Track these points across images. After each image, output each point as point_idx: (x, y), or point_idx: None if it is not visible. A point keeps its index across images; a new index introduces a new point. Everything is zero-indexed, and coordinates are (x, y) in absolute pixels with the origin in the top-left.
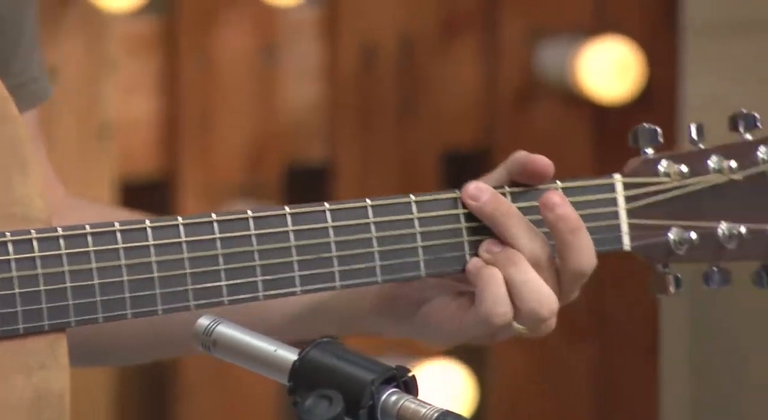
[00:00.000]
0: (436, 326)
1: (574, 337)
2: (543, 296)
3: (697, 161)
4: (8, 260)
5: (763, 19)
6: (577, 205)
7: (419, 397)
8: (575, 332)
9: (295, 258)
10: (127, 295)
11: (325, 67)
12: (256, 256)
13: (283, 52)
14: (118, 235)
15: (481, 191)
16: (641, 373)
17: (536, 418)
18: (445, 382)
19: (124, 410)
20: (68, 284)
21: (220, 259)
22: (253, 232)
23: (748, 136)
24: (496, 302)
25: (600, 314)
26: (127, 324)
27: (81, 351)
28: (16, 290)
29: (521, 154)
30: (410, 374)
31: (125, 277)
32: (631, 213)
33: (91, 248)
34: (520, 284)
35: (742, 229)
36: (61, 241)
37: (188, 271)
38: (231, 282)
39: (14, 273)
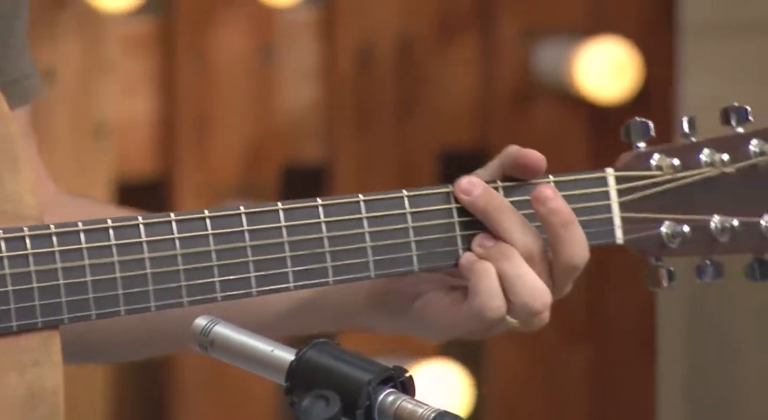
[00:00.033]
0: (430, 321)
1: (571, 336)
2: (536, 290)
3: (689, 154)
4: (1, 258)
5: (762, 19)
6: (569, 199)
7: (416, 397)
8: (572, 331)
9: (288, 254)
10: (120, 291)
11: (322, 67)
12: (249, 252)
13: (280, 53)
14: (111, 231)
15: (473, 186)
16: (638, 372)
17: (534, 418)
18: (442, 382)
19: (122, 411)
20: (61, 281)
21: (213, 256)
22: (245, 228)
23: (740, 129)
24: (490, 296)
25: (597, 313)
26: (120, 321)
27: (74, 348)
28: (9, 288)
29: (513, 149)
30: (407, 374)
31: (118, 274)
32: (623, 206)
33: (83, 245)
34: (513, 278)
35: (735, 222)
36: (54, 238)
37: (181, 267)
38: (224, 278)
39: (7, 270)
